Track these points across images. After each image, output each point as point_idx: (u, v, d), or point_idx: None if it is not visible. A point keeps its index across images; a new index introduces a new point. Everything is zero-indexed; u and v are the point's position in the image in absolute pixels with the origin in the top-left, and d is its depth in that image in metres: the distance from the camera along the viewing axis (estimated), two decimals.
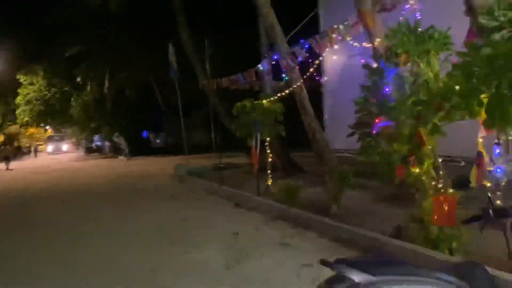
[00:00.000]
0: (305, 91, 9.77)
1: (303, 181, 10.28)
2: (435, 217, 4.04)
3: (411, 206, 7.24)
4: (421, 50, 4.66)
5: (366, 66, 5.13)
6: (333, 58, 11.53)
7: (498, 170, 4.00)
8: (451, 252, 4.51)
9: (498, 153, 3.99)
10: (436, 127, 4.24)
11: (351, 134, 5.73)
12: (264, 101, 9.60)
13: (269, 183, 9.66)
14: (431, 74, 4.62)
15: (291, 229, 6.45)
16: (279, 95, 9.75)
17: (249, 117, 9.63)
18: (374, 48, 7.63)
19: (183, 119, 19.67)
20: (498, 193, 4.05)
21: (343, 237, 5.62)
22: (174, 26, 16.43)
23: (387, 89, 4.87)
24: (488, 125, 3.51)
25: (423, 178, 4.48)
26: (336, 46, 8.56)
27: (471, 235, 4.59)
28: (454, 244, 4.52)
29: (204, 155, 21.36)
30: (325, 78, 12.11)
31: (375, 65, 5.32)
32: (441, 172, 4.63)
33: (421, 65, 4.71)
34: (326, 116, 12.01)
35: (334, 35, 8.26)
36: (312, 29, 11.72)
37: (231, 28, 20.99)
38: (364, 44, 7.96)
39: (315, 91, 11.27)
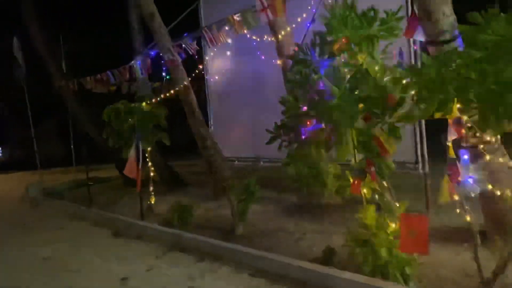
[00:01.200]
0: (192, 93, 8.48)
1: (190, 196, 8.97)
2: (403, 242, 3.19)
3: (321, 220, 6.64)
4: (362, 36, 3.83)
5: (295, 54, 4.11)
6: (216, 56, 10.44)
7: (469, 180, 3.32)
8: (405, 281, 3.74)
9: (466, 159, 3.31)
10: (394, 129, 3.42)
11: (272, 140, 4.67)
12: (143, 104, 8.05)
13: (152, 202, 8.13)
14: (374, 66, 3.81)
15: (197, 263, 5.11)
16: (161, 96, 8.26)
17: (123, 123, 7.98)
18: (279, 42, 6.80)
19: (34, 128, 16.69)
20: (467, 207, 3.40)
21: (266, 269, 4.52)
22: (20, 15, 13.58)
23: (321, 84, 3.94)
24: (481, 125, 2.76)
25: (380, 193, 3.61)
26: (226, 41, 7.45)
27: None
28: (408, 270, 3.77)
29: (61, 169, 18.46)
30: (210, 79, 10.94)
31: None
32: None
33: (362, 55, 3.88)
34: (211, 121, 10.84)
35: (222, 30, 7.15)
36: (192, 23, 10.45)
37: (96, 21, 18.42)
38: (266, 37, 7.04)
39: (197, 93, 10.04)
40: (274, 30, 6.53)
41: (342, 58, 3.92)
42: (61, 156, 21.28)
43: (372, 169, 3.36)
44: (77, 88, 11.53)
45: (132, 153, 7.34)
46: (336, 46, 3.93)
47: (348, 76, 3.82)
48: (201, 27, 9.95)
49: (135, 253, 5.76)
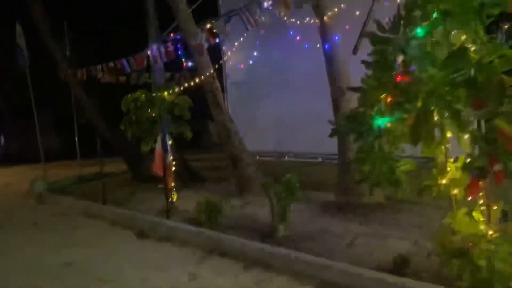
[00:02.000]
0: (217, 82, 7.85)
1: (210, 192, 8.37)
2: None
3: (369, 221, 6.04)
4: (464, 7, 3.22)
5: (376, 32, 3.49)
6: (235, 43, 9.80)
7: None
8: None
9: None
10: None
11: (335, 133, 4.08)
12: (165, 94, 7.42)
13: (174, 199, 7.52)
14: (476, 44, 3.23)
15: (244, 271, 4.52)
16: (184, 86, 7.63)
17: (144, 114, 7.36)
18: (323, 24, 6.17)
19: (29, 120, 15.91)
20: None
21: (335, 281, 3.93)
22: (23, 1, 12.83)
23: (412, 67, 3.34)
24: None
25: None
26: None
27: None
28: None
29: (64, 163, 17.75)
30: (228, 68, 10.30)
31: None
32: None
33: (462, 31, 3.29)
34: (230, 114, 10.22)
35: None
36: (209, 9, 9.82)
37: (102, 8, 17.62)
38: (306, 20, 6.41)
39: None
40: (319, 10, 5.91)
41: (436, 34, 3.32)
42: (56, 150, 20.55)
43: (497, 167, 2.77)
44: (85, 77, 10.85)
45: (158, 147, 6.71)
46: (427, 20, 3.33)
47: (445, 56, 3.23)
48: (221, 14, 9.34)
49: (169, 258, 5.15)
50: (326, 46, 6.04)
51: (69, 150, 20.79)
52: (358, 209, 6.22)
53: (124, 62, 9.34)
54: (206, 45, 7.49)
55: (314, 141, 8.33)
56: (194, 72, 8.32)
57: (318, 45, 6.36)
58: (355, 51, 4.66)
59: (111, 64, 9.73)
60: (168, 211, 6.54)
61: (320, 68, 6.46)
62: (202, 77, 7.53)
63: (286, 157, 8.95)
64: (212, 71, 7.67)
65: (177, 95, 7.47)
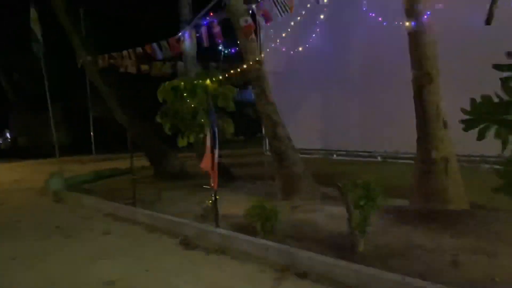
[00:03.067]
0: (265, 71, 6.93)
1: (248, 193, 7.53)
2: None
3: (461, 232, 5.07)
4: None
5: None
6: (274, 29, 8.84)
7: None
8: None
9: None
10: None
11: (470, 126, 3.15)
12: (207, 82, 6.50)
13: (209, 203, 6.61)
14: None
15: None
16: (229, 74, 6.70)
17: (183, 104, 6.46)
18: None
19: (36, 113, 15.08)
20: None
21: None
22: None
23: None
24: None
25: None
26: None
27: None
28: None
29: (73, 157, 16.93)
30: (265, 56, 9.30)
31: None
32: None
33: None
34: None
35: None
36: None
37: None
38: None
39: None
40: None
41: None
42: (74, 143, 19.73)
43: None
44: (106, 64, 9.95)
45: (208, 141, 5.80)
46: None
47: None
48: None
49: (232, 277, 4.23)
50: (414, 23, 5.10)
51: (80, 144, 20.02)
52: (441, 217, 5.30)
53: (155, 47, 8.39)
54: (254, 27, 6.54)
55: (371, 138, 7.46)
56: (231, 61, 7.39)
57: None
58: (488, 21, 3.74)
59: (139, 49, 8.78)
60: (217, 216, 5.62)
61: (382, 58, 5.58)
62: (250, 63, 6.59)
63: (335, 155, 8.03)
64: (259, 58, 6.73)
65: (221, 84, 6.54)
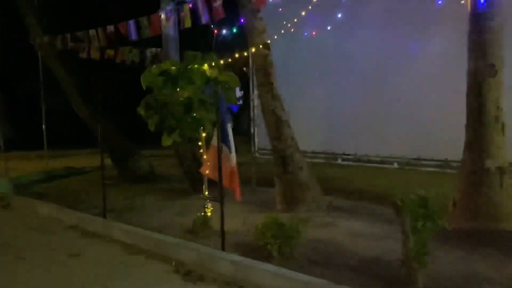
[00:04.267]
0: (271, 58, 5.83)
1: (244, 203, 6.42)
2: None
3: None
4: None
5: None
6: (275, 21, 7.72)
7: None
8: None
9: None
10: None
11: None
12: (205, 67, 5.29)
13: (208, 214, 5.44)
14: None
15: None
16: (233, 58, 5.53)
17: (174, 95, 5.22)
18: None
19: None
20: None
21: None
22: None
23: None
24: None
25: None
26: None
27: None
28: None
29: (17, 153, 14.97)
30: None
31: None
32: None
33: None
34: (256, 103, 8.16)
35: None
36: None
37: None
38: None
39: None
40: None
41: None
42: (17, 137, 17.58)
43: None
44: (68, 46, 8.43)
45: (214, 139, 4.63)
46: None
47: None
48: None
49: None
50: (483, 3, 4.19)
51: (25, 139, 17.90)
52: (496, 239, 4.45)
53: (132, 25, 7.02)
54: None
55: (386, 141, 6.51)
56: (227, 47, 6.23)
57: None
58: None
59: (111, 28, 7.37)
60: (223, 237, 4.44)
61: (401, 47, 4.66)
62: (258, 46, 5.46)
63: (340, 159, 7.06)
64: (268, 41, 5.63)
65: (221, 70, 5.35)
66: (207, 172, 4.98)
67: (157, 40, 8.31)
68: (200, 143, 5.53)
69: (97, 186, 9.06)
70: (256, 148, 7.73)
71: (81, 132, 18.72)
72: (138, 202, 7.22)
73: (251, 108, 7.47)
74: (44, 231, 5.78)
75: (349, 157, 7.10)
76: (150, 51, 9.98)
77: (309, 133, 7.28)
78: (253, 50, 5.61)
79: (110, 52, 9.77)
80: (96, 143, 12.59)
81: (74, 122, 12.06)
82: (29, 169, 11.58)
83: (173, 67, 5.25)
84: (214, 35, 6.98)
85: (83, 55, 9.88)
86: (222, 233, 4.40)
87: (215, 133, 4.64)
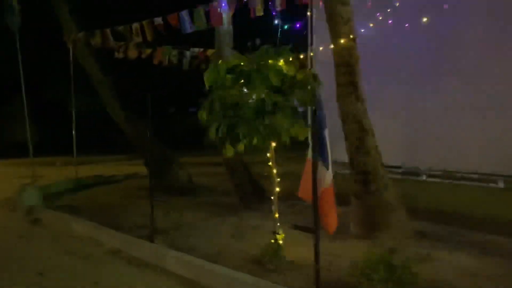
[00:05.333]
0: (358, 53, 4.87)
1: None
2: None
3: None
4: None
5: None
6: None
7: None
8: None
9: None
10: None
11: None
12: (281, 63, 4.35)
13: (280, 241, 4.46)
14: None
15: None
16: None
17: (244, 95, 4.29)
18: None
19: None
20: None
21: None
22: None
23: None
24: None
25: None
26: None
27: None
28: None
29: (42, 159, 14.25)
30: (317, 44, 7.14)
31: None
32: None
33: None
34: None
35: None
36: None
37: None
38: None
39: None
40: None
41: None
42: (22, 142, 16.98)
43: None
44: (106, 44, 7.61)
45: (309, 153, 3.69)
46: None
47: None
48: None
49: None
50: None
51: (51, 144, 17.31)
52: None
53: (184, 17, 6.11)
54: None
55: (486, 154, 5.42)
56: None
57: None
58: None
59: (158, 20, 6.48)
60: (318, 278, 3.44)
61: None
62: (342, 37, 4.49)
63: (424, 176, 5.99)
64: (353, 35, 4.66)
65: (297, 69, 4.40)
66: (306, 196, 4.01)
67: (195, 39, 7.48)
68: (269, 155, 4.58)
69: (132, 198, 8.29)
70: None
71: (109, 138, 18.15)
72: (184, 219, 6.34)
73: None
74: (83, 257, 4.88)
75: (437, 173, 6.01)
76: (192, 51, 9.16)
77: (386, 144, 6.24)
78: (342, 41, 4.63)
79: (147, 51, 8.98)
80: (128, 149, 11.82)
81: (104, 127, 11.31)
82: (56, 176, 10.84)
83: (241, 63, 4.31)
84: (279, 28, 6.05)
85: (119, 54, 9.11)
86: (317, 275, 3.40)
87: (310, 144, 3.68)
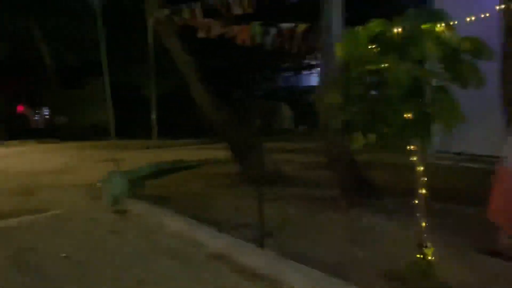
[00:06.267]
0: None
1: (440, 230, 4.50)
2: None
3: None
4: None
5: None
6: None
7: None
8: None
9: None
10: None
11: None
12: (437, 28, 3.34)
13: (430, 255, 3.52)
14: None
15: None
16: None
17: (398, 74, 3.32)
18: None
19: (72, 90, 11.89)
20: None
21: None
22: None
23: None
24: None
25: None
26: None
27: None
28: None
29: (118, 142, 14.14)
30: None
31: None
32: None
33: None
34: None
35: None
36: None
37: None
38: None
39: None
40: None
41: None
42: (102, 125, 17.11)
43: None
44: (194, 22, 6.94)
45: (507, 159, 2.73)
46: None
47: None
48: None
49: None
50: None
51: (127, 127, 17.34)
52: None
53: None
54: None
55: None
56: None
57: None
58: None
59: None
60: None
61: None
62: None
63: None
64: None
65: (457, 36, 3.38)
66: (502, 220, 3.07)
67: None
68: (413, 147, 3.62)
69: (218, 187, 7.68)
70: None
71: (185, 122, 17.95)
72: (288, 216, 5.58)
73: None
74: (182, 260, 4.23)
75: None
76: (280, 27, 8.23)
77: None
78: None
79: (235, 29, 8.19)
80: (203, 134, 11.21)
81: (184, 111, 10.84)
82: (137, 160, 10.50)
83: (384, 28, 3.35)
84: None
85: (202, 33, 8.40)
86: None
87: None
